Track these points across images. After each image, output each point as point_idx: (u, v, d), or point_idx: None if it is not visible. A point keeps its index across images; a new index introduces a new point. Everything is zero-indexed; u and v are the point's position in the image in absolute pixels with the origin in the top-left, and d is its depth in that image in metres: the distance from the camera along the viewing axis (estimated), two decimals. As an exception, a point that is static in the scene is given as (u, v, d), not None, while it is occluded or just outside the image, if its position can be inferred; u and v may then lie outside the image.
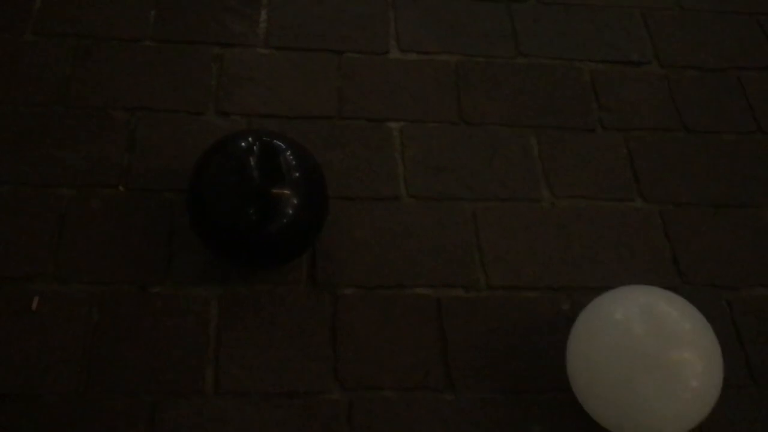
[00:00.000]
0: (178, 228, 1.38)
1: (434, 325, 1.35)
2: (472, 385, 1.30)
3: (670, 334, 1.16)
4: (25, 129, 1.46)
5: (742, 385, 1.35)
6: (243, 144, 1.27)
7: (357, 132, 1.54)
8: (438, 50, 1.68)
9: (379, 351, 1.31)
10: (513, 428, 1.28)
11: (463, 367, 1.32)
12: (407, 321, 1.35)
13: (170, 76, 1.56)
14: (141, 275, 1.33)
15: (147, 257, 1.35)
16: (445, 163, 1.53)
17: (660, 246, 1.49)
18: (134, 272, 1.34)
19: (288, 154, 1.28)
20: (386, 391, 1.28)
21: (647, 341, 1.15)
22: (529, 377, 1.32)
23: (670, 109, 1.67)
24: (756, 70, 1.75)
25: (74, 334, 1.27)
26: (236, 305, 1.33)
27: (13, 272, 1.31)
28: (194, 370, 1.26)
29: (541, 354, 1.34)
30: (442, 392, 1.29)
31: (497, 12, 1.76)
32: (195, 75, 1.57)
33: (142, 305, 1.31)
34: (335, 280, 1.37)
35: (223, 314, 1.32)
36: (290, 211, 1.26)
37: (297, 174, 1.28)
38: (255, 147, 1.26)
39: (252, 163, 1.25)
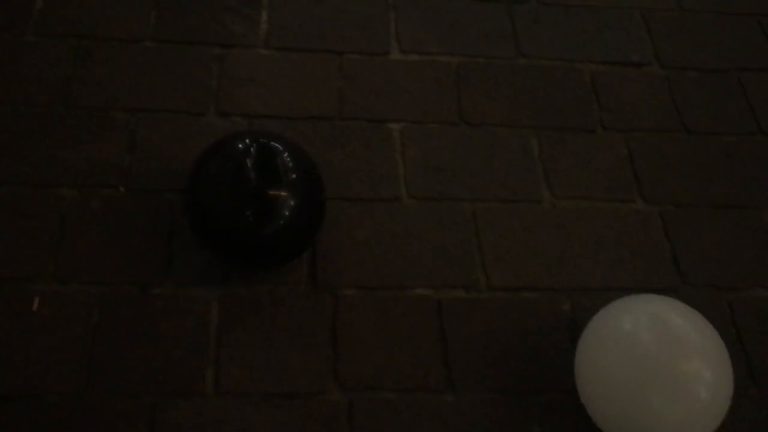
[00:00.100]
0: (178, 228, 1.38)
1: (434, 325, 1.35)
2: (473, 386, 1.30)
3: (679, 345, 1.15)
4: (26, 129, 1.46)
5: (743, 385, 1.35)
6: (240, 146, 1.27)
7: (357, 133, 1.54)
8: (438, 51, 1.68)
9: (379, 352, 1.31)
10: (513, 429, 1.27)
11: (463, 367, 1.32)
12: (407, 321, 1.35)
13: (171, 76, 1.56)
14: (141, 276, 1.33)
15: (147, 258, 1.35)
16: (446, 164, 1.53)
17: (660, 247, 1.49)
18: (134, 273, 1.34)
19: (283, 155, 1.28)
20: (386, 391, 1.28)
21: (656, 352, 1.14)
22: (529, 378, 1.32)
23: (671, 109, 1.67)
24: (756, 71, 1.75)
25: (75, 334, 1.27)
26: (236, 306, 1.33)
27: (13, 273, 1.31)
28: (194, 371, 1.26)
29: (542, 355, 1.34)
30: (442, 393, 1.29)
31: (498, 13, 1.76)
32: (195, 76, 1.57)
33: (143, 306, 1.31)
34: (335, 281, 1.37)
35: (224, 315, 1.32)
36: (286, 212, 1.26)
37: (293, 175, 1.28)
38: (251, 148, 1.26)
39: (248, 164, 1.25)
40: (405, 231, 1.44)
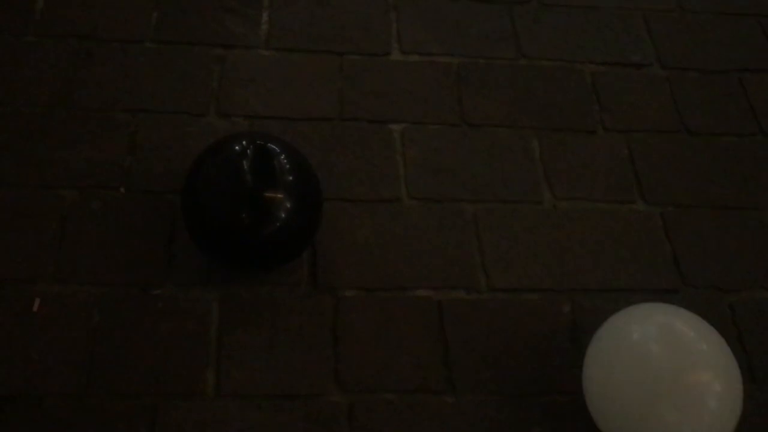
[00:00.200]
0: (178, 230, 1.38)
1: (435, 327, 1.35)
2: (473, 387, 1.30)
3: (688, 355, 1.15)
4: (27, 130, 1.46)
5: (744, 386, 1.34)
6: (236, 148, 1.27)
7: (358, 134, 1.54)
8: (439, 52, 1.68)
9: (379, 353, 1.31)
10: (514, 430, 1.27)
11: (463, 368, 1.32)
12: (408, 323, 1.35)
13: (171, 77, 1.56)
14: (142, 277, 1.33)
15: (148, 259, 1.35)
16: (447, 165, 1.53)
17: (661, 247, 1.49)
18: (135, 274, 1.34)
19: (279, 156, 1.28)
20: (387, 393, 1.28)
21: (665, 363, 1.13)
22: (530, 379, 1.32)
23: (672, 110, 1.67)
24: (757, 72, 1.75)
25: (75, 335, 1.27)
26: (237, 307, 1.33)
27: (14, 274, 1.31)
28: (195, 372, 1.26)
29: (542, 356, 1.34)
30: (442, 394, 1.29)
31: (498, 14, 1.76)
32: (196, 77, 1.57)
33: (143, 307, 1.31)
34: (336, 282, 1.37)
35: (224, 316, 1.32)
36: (282, 214, 1.26)
37: (289, 176, 1.28)
38: (248, 150, 1.26)
39: (245, 166, 1.25)
40: (405, 232, 1.44)
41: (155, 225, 1.39)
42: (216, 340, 1.29)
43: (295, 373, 1.28)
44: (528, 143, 1.58)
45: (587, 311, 1.39)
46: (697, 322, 1.19)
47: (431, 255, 1.42)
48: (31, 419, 1.20)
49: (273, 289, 1.35)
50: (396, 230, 1.44)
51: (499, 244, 1.45)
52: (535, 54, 1.71)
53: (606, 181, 1.55)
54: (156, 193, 1.42)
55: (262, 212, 1.25)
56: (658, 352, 1.15)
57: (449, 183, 1.51)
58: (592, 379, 1.20)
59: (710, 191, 1.57)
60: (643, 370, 1.13)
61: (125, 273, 1.33)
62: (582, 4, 1.80)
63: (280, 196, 1.26)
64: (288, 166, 1.28)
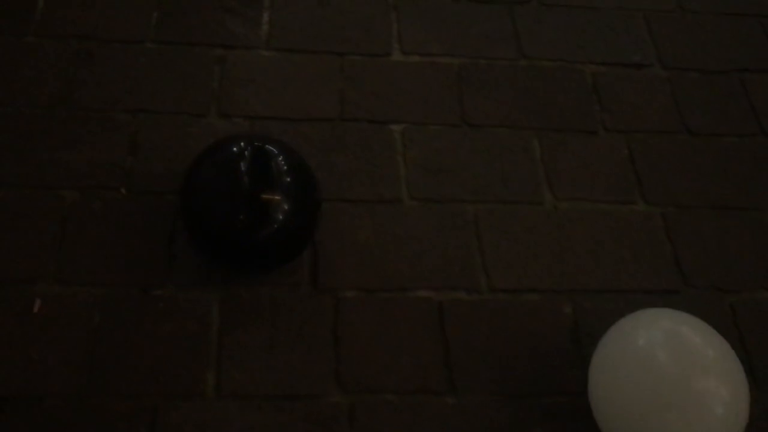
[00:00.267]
0: (179, 230, 1.38)
1: (436, 328, 1.35)
2: (474, 388, 1.30)
3: (695, 362, 1.14)
4: (27, 130, 1.46)
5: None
6: (233, 149, 1.27)
7: (359, 134, 1.54)
8: (440, 52, 1.68)
9: (380, 354, 1.31)
10: (514, 431, 1.27)
11: (464, 369, 1.32)
12: (408, 323, 1.35)
13: (172, 77, 1.56)
14: (142, 278, 1.33)
15: (148, 259, 1.35)
16: (447, 166, 1.53)
17: (662, 248, 1.49)
18: (135, 274, 1.34)
19: (277, 157, 1.28)
20: (388, 394, 1.28)
21: (672, 369, 1.12)
22: (530, 380, 1.32)
23: (672, 111, 1.67)
24: (758, 73, 1.75)
25: (75, 336, 1.27)
26: (237, 308, 1.33)
27: (14, 274, 1.31)
28: (195, 373, 1.26)
29: (543, 357, 1.34)
30: (443, 395, 1.29)
31: (499, 14, 1.76)
32: (197, 77, 1.57)
33: (144, 308, 1.31)
34: (336, 283, 1.37)
35: (225, 316, 1.32)
36: (280, 215, 1.26)
37: (287, 177, 1.28)
38: (245, 152, 1.26)
39: (242, 167, 1.25)
40: (406, 233, 1.44)
41: (156, 225, 1.39)
42: (216, 341, 1.29)
43: (296, 374, 1.28)
44: (528, 143, 1.58)
45: (588, 312, 1.39)
46: (704, 328, 1.19)
47: (432, 255, 1.42)
48: (31, 419, 1.20)
49: (273, 289, 1.35)
50: (396, 231, 1.44)
51: (500, 245, 1.45)
52: (536, 54, 1.71)
53: (607, 182, 1.55)
54: (156, 194, 1.42)
55: (260, 213, 1.25)
56: (665, 358, 1.14)
57: (450, 183, 1.51)
58: (598, 385, 1.20)
59: (711, 191, 1.57)
60: (649, 377, 1.13)
61: (126, 273, 1.33)
62: (582, 5, 1.80)
63: (277, 197, 1.26)
64: (285, 167, 1.28)
